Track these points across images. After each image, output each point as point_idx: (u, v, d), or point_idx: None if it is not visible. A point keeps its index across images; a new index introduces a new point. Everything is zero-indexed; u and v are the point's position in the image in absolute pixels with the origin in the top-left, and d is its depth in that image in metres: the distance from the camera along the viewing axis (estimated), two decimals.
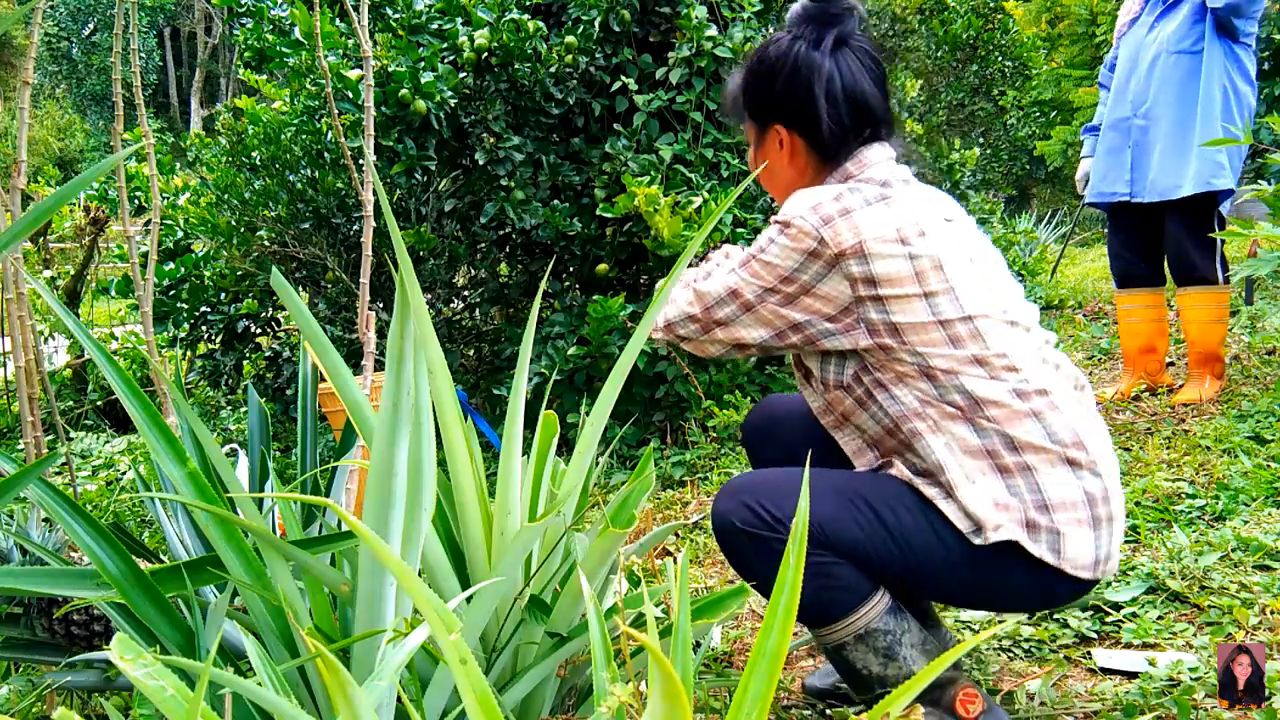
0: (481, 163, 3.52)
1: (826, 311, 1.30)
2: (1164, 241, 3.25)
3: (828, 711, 1.57)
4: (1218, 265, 3.10)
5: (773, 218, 1.34)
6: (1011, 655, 1.71)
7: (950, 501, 1.26)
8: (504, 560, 1.19)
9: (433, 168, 3.64)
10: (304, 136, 3.70)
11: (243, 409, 4.62)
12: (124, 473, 3.50)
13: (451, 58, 3.49)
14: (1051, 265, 6.34)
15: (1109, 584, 1.89)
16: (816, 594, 1.27)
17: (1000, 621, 1.83)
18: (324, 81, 3.28)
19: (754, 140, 1.48)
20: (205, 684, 0.69)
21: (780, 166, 1.44)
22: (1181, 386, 3.24)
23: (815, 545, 1.25)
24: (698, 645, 1.67)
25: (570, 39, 3.54)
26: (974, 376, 1.26)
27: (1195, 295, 3.14)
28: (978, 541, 1.23)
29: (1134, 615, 1.76)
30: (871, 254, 1.26)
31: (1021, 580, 1.26)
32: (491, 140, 3.56)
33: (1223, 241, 3.07)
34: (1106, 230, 3.44)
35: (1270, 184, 2.58)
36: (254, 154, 3.84)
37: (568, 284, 3.95)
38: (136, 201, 4.11)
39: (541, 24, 3.51)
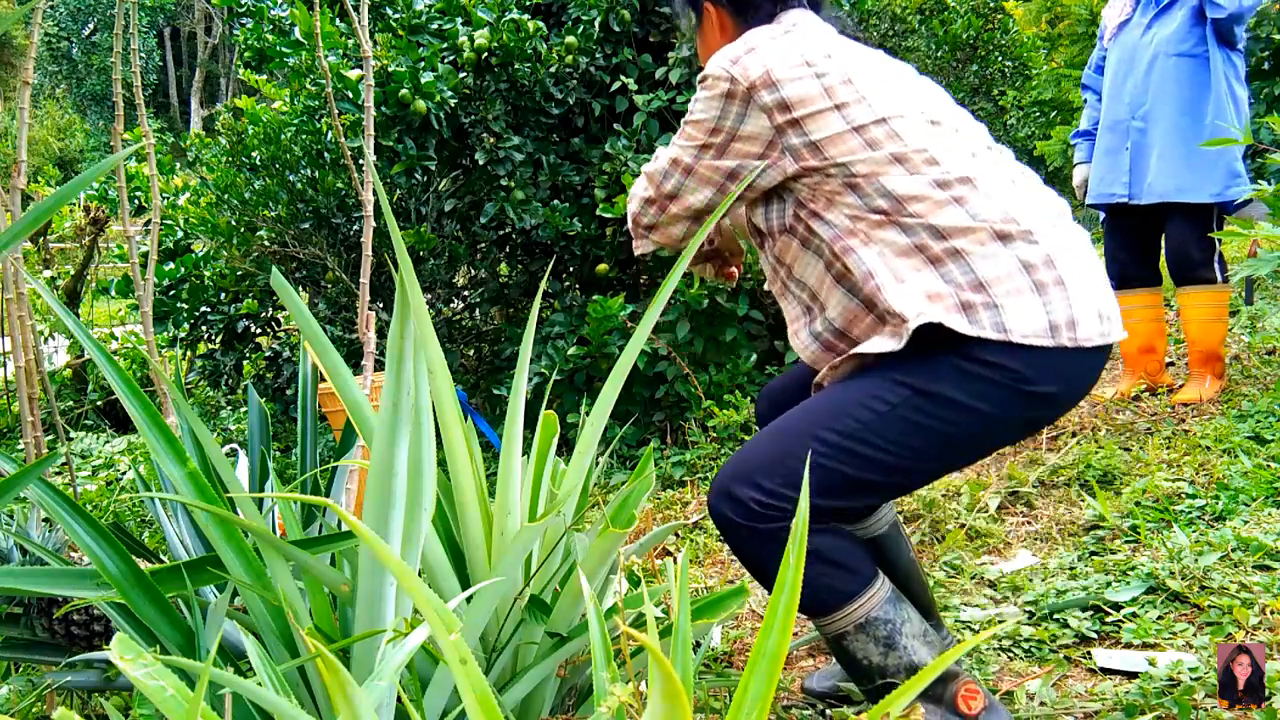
0: (481, 163, 3.52)
1: (754, 151, 1.35)
2: (1163, 242, 3.25)
3: (827, 712, 1.57)
4: (1217, 265, 3.10)
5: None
6: (1011, 655, 1.71)
7: (877, 337, 1.27)
8: (504, 560, 1.19)
9: (433, 168, 3.64)
10: (304, 136, 3.70)
11: (243, 409, 4.62)
12: (124, 473, 3.50)
13: (451, 58, 3.49)
14: None
15: (1109, 584, 1.89)
16: (816, 583, 1.26)
17: (1000, 621, 1.83)
18: (324, 81, 3.28)
19: (696, 31, 1.59)
20: (205, 684, 0.69)
21: (715, 43, 1.53)
22: (1182, 386, 3.24)
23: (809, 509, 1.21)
24: (698, 645, 1.67)
25: (570, 39, 3.54)
26: (894, 175, 1.28)
27: (1195, 295, 3.14)
28: (904, 345, 1.22)
29: (1134, 615, 1.76)
30: (779, 80, 1.31)
31: (988, 382, 1.22)
32: (491, 140, 3.56)
33: (1220, 240, 3.08)
34: (1103, 232, 3.44)
35: (1270, 184, 2.58)
36: (254, 154, 3.84)
37: (568, 284, 3.95)
38: (136, 201, 4.11)
39: (541, 24, 3.51)
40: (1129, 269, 3.33)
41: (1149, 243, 3.30)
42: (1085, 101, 3.50)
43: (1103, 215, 3.34)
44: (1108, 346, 1.28)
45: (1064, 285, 1.24)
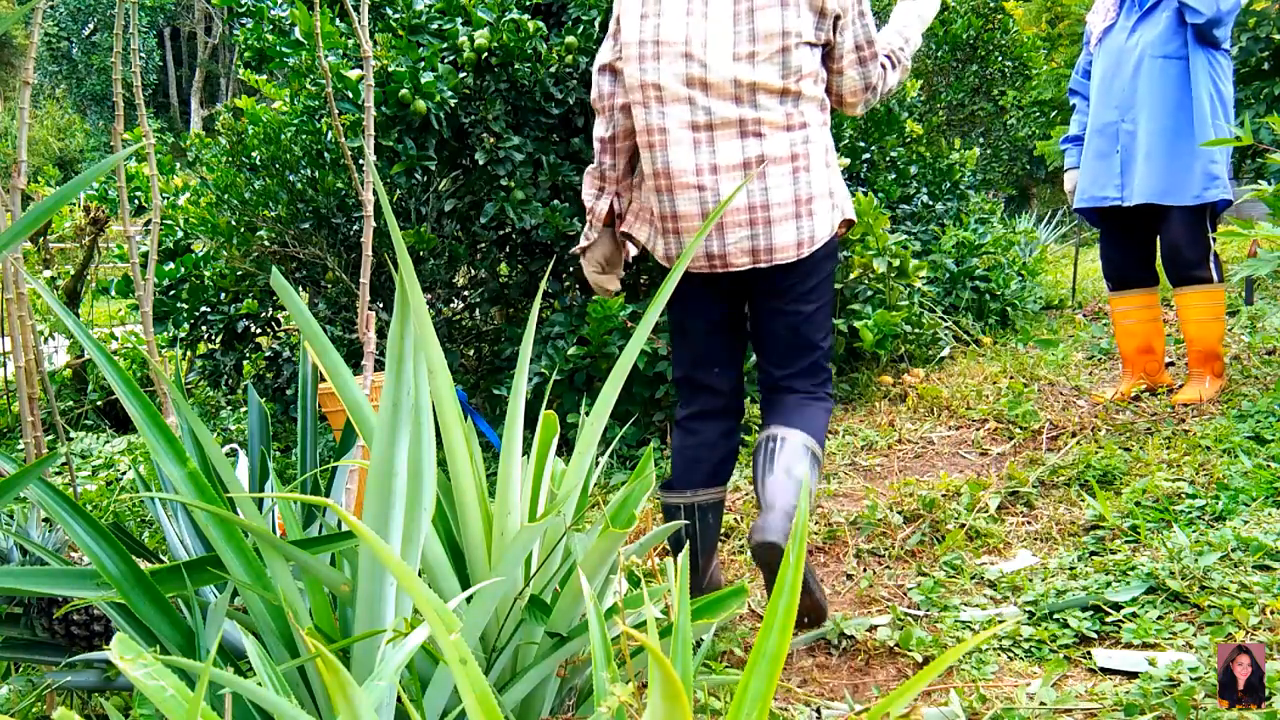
0: (481, 163, 3.52)
1: None
2: (1157, 243, 3.27)
3: (826, 711, 1.58)
4: (1212, 265, 3.11)
5: None
6: (1011, 655, 1.71)
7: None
8: (504, 560, 1.19)
9: (433, 168, 3.64)
10: (304, 136, 3.71)
11: (243, 409, 4.62)
12: (124, 473, 3.50)
13: (451, 58, 3.49)
14: (1051, 263, 6.34)
15: (1109, 584, 1.89)
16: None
17: (1000, 621, 1.83)
18: (324, 81, 3.28)
19: None
20: (205, 684, 0.69)
21: None
22: (1182, 386, 3.24)
23: None
24: (698, 645, 1.67)
25: (570, 39, 3.54)
26: None
27: (1192, 295, 3.15)
28: None
29: (1134, 615, 1.76)
30: None
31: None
32: (491, 140, 3.56)
33: (1215, 240, 3.08)
34: (1099, 235, 3.46)
35: (1270, 184, 2.58)
36: (254, 154, 3.84)
37: (568, 284, 3.95)
38: (136, 201, 4.11)
39: (541, 24, 3.51)
40: (1125, 270, 3.35)
41: (1144, 244, 3.32)
42: (1074, 107, 3.53)
43: (1094, 218, 3.37)
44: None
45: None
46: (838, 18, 1.80)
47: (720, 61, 1.75)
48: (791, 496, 1.67)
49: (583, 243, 2.02)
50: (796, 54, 1.75)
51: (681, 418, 2.03)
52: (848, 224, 1.93)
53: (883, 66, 1.90)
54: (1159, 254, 3.28)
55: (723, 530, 2.49)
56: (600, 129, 1.95)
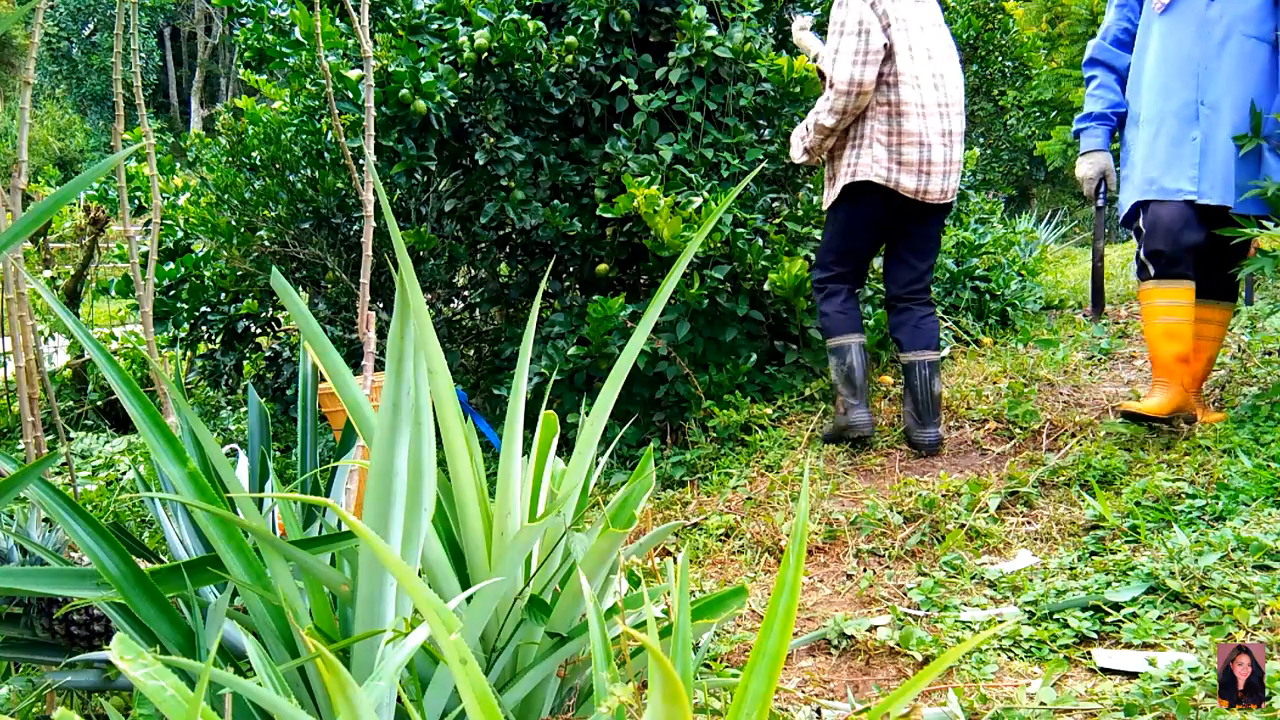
0: (481, 163, 3.53)
1: None
2: (1222, 250, 2.75)
3: (826, 712, 1.58)
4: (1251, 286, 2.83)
5: None
6: (1011, 655, 1.71)
7: None
8: (504, 560, 1.19)
9: (433, 168, 3.64)
10: (304, 136, 3.71)
11: (243, 409, 4.62)
12: (124, 473, 3.50)
13: (451, 58, 3.49)
14: (1051, 263, 6.33)
15: (1109, 584, 1.89)
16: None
17: (1000, 621, 1.83)
18: (324, 81, 3.28)
19: None
20: (205, 684, 0.69)
21: None
22: (1205, 409, 2.88)
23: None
24: (697, 645, 1.67)
25: (570, 39, 3.54)
26: None
27: (1222, 312, 2.83)
28: None
29: (1134, 615, 1.76)
30: None
31: None
32: (491, 140, 3.56)
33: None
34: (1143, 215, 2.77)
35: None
36: (254, 154, 3.84)
37: (568, 284, 3.96)
38: (136, 201, 4.11)
39: (541, 24, 3.51)
40: (1180, 258, 2.72)
41: (1218, 248, 2.73)
42: (1091, 80, 2.99)
43: (1141, 215, 2.76)
44: None
45: None
46: None
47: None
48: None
49: None
50: None
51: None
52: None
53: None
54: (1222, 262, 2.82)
55: (722, 530, 2.49)
56: None
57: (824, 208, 3.16)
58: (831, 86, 2.93)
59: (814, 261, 3.23)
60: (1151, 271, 2.75)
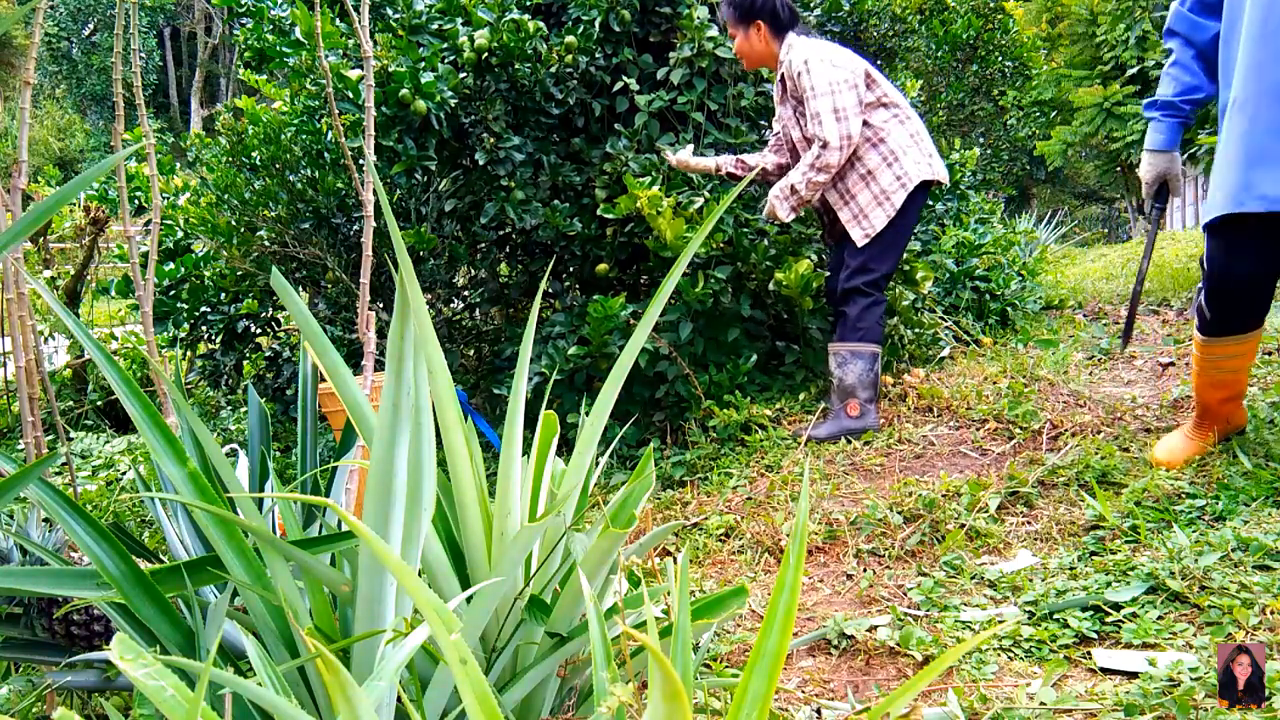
0: (481, 163, 3.52)
1: None
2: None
3: (826, 712, 1.58)
4: None
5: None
6: (1011, 655, 1.71)
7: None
8: (504, 560, 1.19)
9: (433, 168, 3.64)
10: (304, 136, 3.71)
11: (243, 409, 4.62)
12: (124, 473, 3.50)
13: (451, 58, 3.49)
14: (1051, 264, 6.33)
15: (1109, 584, 1.89)
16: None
17: (1000, 621, 1.83)
18: (324, 81, 3.28)
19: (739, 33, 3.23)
20: (205, 684, 0.69)
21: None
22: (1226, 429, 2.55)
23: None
24: (697, 645, 1.67)
25: (570, 39, 3.54)
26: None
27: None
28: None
29: (1134, 615, 1.76)
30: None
31: None
32: (491, 140, 3.56)
33: None
34: (1213, 245, 2.21)
35: None
36: (254, 154, 3.84)
37: (568, 284, 3.96)
38: (136, 201, 4.11)
39: (541, 24, 3.51)
40: (1252, 308, 2.26)
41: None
42: (1168, 54, 2.44)
43: (1205, 225, 2.22)
44: None
45: None
46: None
47: None
48: None
49: None
50: None
51: None
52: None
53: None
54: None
55: (722, 530, 2.49)
56: None
57: (867, 240, 3.13)
58: (825, 146, 3.01)
59: (860, 268, 3.16)
60: (1211, 318, 2.25)
